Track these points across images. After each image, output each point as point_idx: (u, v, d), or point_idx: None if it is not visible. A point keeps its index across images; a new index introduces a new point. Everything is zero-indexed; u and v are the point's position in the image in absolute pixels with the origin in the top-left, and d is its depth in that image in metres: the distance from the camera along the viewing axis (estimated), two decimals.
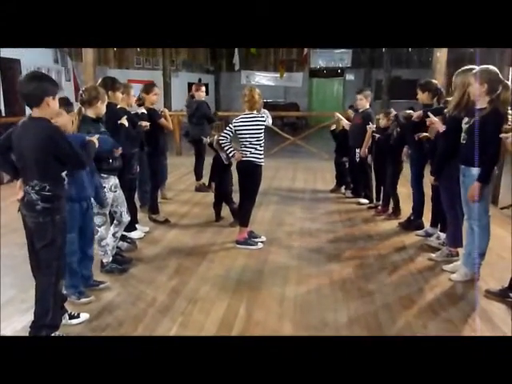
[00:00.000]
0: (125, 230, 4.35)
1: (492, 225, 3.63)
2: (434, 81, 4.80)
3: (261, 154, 4.28)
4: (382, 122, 5.45)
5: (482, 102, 3.32)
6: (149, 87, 5.22)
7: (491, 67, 3.35)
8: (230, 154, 4.38)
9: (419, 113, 4.43)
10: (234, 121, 4.28)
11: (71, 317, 2.94)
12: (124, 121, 3.96)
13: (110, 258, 3.74)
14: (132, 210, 4.51)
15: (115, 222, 3.84)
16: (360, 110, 6.03)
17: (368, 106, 6.00)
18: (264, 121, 4.25)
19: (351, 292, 3.45)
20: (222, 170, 4.92)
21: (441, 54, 7.92)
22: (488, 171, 3.34)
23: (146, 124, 4.45)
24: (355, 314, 3.11)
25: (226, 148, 4.34)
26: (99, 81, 4.24)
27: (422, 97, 4.66)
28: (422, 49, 15.32)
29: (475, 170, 3.38)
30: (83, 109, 3.48)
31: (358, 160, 5.98)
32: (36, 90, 2.51)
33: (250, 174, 4.28)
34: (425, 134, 4.33)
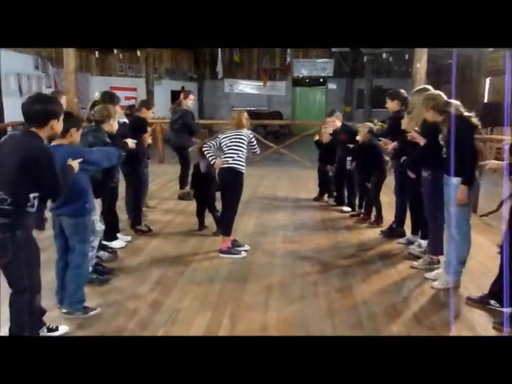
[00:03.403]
0: (106, 240, 4.30)
1: (472, 232, 3.67)
2: (402, 90, 5.01)
3: (242, 162, 4.29)
4: (360, 137, 5.47)
5: (438, 120, 3.59)
6: (148, 104, 5.47)
7: (435, 93, 3.79)
8: (212, 162, 4.39)
9: (394, 144, 4.65)
10: (220, 135, 4.47)
11: (50, 330, 2.86)
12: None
13: (90, 269, 3.66)
14: (113, 220, 4.46)
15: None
16: (337, 129, 6.07)
17: (339, 125, 6.05)
18: (250, 138, 4.37)
19: (335, 301, 3.44)
20: (204, 178, 4.88)
21: (420, 65, 8.04)
22: (468, 175, 3.41)
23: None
24: (340, 324, 3.09)
25: (207, 155, 4.39)
26: (98, 95, 4.52)
27: (391, 105, 4.92)
28: (402, 59, 15.57)
29: (455, 180, 3.47)
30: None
31: (348, 168, 5.98)
32: (41, 112, 2.50)
33: (232, 181, 4.27)
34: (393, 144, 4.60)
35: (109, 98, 4.46)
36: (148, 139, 5.16)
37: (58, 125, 2.60)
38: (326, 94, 21.04)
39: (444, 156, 3.57)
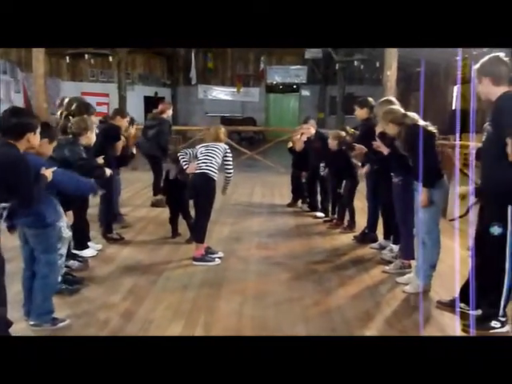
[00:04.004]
0: (76, 248, 4.20)
1: (442, 237, 3.75)
2: (370, 99, 5.16)
3: (215, 169, 4.27)
4: (332, 144, 5.54)
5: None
6: (123, 112, 5.49)
7: (393, 107, 4.05)
8: (184, 166, 4.40)
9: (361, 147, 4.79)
10: (197, 146, 4.49)
11: None
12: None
13: (59, 278, 3.56)
14: (83, 228, 4.37)
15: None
16: (311, 137, 6.14)
17: (313, 132, 6.12)
18: (225, 152, 4.36)
19: (309, 307, 3.44)
20: (177, 184, 4.83)
21: (391, 73, 8.20)
22: (427, 178, 3.49)
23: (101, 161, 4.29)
24: (314, 329, 3.09)
25: (181, 160, 4.42)
26: (73, 107, 4.44)
27: (360, 113, 5.06)
28: (373, 67, 15.85)
29: (417, 184, 3.57)
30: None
31: (321, 174, 6.02)
32: (17, 126, 2.54)
33: (204, 187, 4.24)
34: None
35: (85, 108, 4.40)
36: (120, 147, 5.08)
37: (34, 138, 2.65)
38: (299, 101, 21.23)
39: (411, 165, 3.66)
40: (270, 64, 20.76)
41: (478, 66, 2.95)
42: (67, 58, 14.88)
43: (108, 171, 4.13)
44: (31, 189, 2.58)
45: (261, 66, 20.30)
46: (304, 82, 20.76)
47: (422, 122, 3.66)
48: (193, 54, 19.44)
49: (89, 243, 4.51)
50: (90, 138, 4.03)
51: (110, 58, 15.03)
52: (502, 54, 2.90)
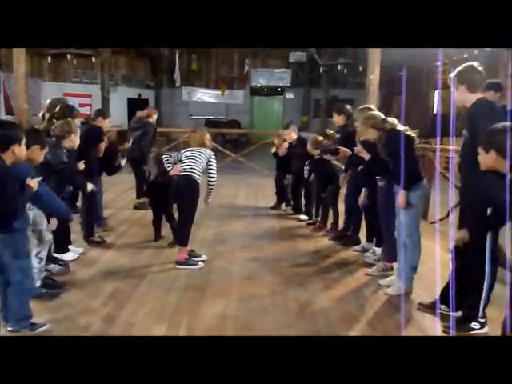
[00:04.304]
0: (57, 252, 4.14)
1: (423, 239, 3.79)
2: (347, 106, 5.35)
3: (199, 172, 4.25)
4: (311, 150, 5.58)
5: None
6: (105, 113, 5.53)
7: (374, 112, 4.17)
8: (168, 168, 4.38)
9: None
10: (182, 151, 4.46)
11: None
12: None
13: (39, 282, 3.50)
14: (64, 231, 4.30)
15: (36, 241, 3.60)
16: (293, 142, 6.19)
17: (295, 137, 6.16)
18: (210, 157, 4.34)
19: (294, 309, 3.45)
20: (160, 186, 4.79)
21: (373, 77, 8.26)
22: (406, 181, 3.52)
23: (81, 166, 4.29)
24: (298, 332, 3.09)
25: (166, 162, 4.41)
26: (56, 109, 4.41)
27: (338, 119, 5.22)
28: (357, 71, 16.00)
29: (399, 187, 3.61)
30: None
31: (306, 177, 6.03)
32: (1, 138, 2.55)
33: (188, 189, 4.22)
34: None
35: (68, 111, 4.38)
36: (102, 149, 5.02)
37: (20, 149, 2.66)
38: (283, 104, 21.28)
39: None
40: (254, 67, 20.77)
41: (454, 73, 3.08)
42: (49, 58, 14.66)
43: (90, 186, 4.09)
44: (15, 200, 2.59)
45: (245, 69, 20.30)
46: (288, 84, 20.83)
47: (401, 127, 3.73)
48: (177, 56, 19.36)
49: (70, 246, 4.45)
50: (74, 140, 4.02)
51: (93, 59, 14.86)
52: (475, 64, 3.06)
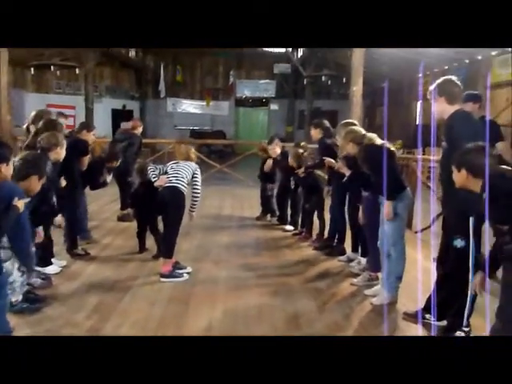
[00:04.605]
0: (39, 265, 4.06)
1: (407, 248, 3.82)
2: (324, 120, 5.52)
3: (185, 183, 4.25)
4: (293, 164, 5.63)
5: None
6: (89, 126, 5.47)
7: (354, 127, 4.27)
8: (153, 179, 4.38)
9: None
10: (168, 164, 4.47)
11: None
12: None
13: (20, 297, 3.43)
14: (47, 244, 4.22)
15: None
16: (278, 157, 6.25)
17: (279, 152, 6.22)
18: (195, 170, 4.36)
19: (279, 321, 3.43)
20: (145, 197, 4.75)
21: (357, 88, 8.36)
22: (388, 192, 3.55)
23: (60, 220, 4.21)
24: None
25: (151, 174, 4.42)
26: (39, 124, 4.39)
27: (314, 133, 5.41)
28: (341, 82, 16.19)
29: (383, 198, 3.65)
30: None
31: (292, 188, 6.06)
32: None
33: (174, 200, 4.20)
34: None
35: (52, 126, 4.35)
36: (86, 162, 4.98)
37: (7, 169, 2.67)
38: (268, 115, 21.41)
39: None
40: (239, 78, 20.90)
41: (433, 86, 3.17)
42: (32, 69, 14.53)
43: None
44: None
45: (230, 80, 20.42)
46: (273, 96, 20.98)
47: (379, 141, 3.85)
48: (161, 67, 19.38)
49: (52, 259, 4.38)
50: (60, 153, 4.01)
51: (77, 70, 14.77)
52: (454, 78, 3.19)
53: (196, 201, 4.41)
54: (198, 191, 4.37)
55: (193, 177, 4.34)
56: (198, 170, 4.42)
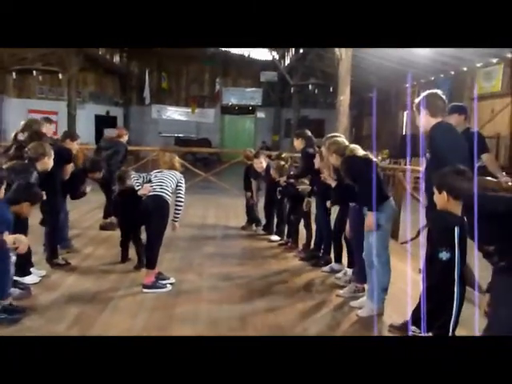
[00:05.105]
0: (17, 275, 3.99)
1: (393, 259, 3.85)
2: (306, 130, 5.66)
3: (169, 192, 4.24)
4: (276, 176, 5.69)
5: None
6: (73, 135, 5.52)
7: (338, 139, 4.32)
8: (137, 188, 4.37)
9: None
10: (152, 173, 4.46)
11: None
12: None
13: None
14: (26, 253, 4.16)
15: None
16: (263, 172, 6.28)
17: (265, 166, 6.22)
18: (179, 179, 4.35)
19: (263, 332, 3.41)
20: (128, 204, 4.72)
21: (344, 97, 8.47)
22: (369, 202, 3.56)
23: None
24: None
25: (134, 182, 4.42)
26: (25, 136, 4.53)
27: (296, 143, 5.55)
28: (328, 91, 16.35)
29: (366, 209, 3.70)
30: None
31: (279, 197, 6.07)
32: None
33: (158, 209, 4.18)
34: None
35: (38, 137, 4.38)
36: (69, 171, 4.95)
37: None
38: (254, 123, 21.51)
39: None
40: (225, 85, 21.00)
41: (418, 99, 3.28)
42: (14, 73, 14.39)
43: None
44: None
45: (216, 88, 20.49)
46: (259, 104, 21.11)
47: (361, 152, 3.95)
48: (146, 73, 19.36)
49: (31, 269, 4.31)
50: (47, 163, 4.06)
51: (60, 75, 14.67)
52: (439, 92, 3.28)
53: (179, 210, 4.39)
54: (182, 201, 4.37)
55: (177, 186, 4.33)
56: (183, 179, 4.42)
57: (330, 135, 4.65)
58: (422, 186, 3.55)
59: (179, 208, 4.38)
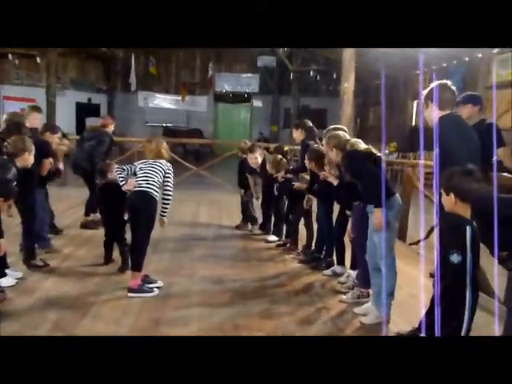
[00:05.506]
0: None
1: (400, 262, 3.86)
2: (307, 120, 5.65)
3: (157, 188, 4.22)
4: (272, 171, 5.72)
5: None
6: (54, 128, 5.46)
7: (338, 132, 4.31)
8: (121, 183, 4.35)
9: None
10: (137, 163, 4.42)
11: None
12: None
13: None
14: None
15: None
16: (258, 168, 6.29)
17: (260, 161, 6.22)
18: (167, 170, 4.32)
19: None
20: (113, 202, 4.72)
21: (348, 85, 8.48)
22: (374, 199, 3.59)
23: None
24: None
25: (118, 176, 4.37)
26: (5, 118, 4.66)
27: (296, 134, 5.57)
28: (330, 78, 16.37)
29: (371, 206, 3.69)
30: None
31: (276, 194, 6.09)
32: None
33: (144, 206, 4.18)
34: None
35: (16, 129, 4.39)
36: (47, 167, 4.95)
37: None
38: (250, 112, 21.50)
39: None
40: (218, 71, 20.94)
41: (426, 91, 3.31)
42: None
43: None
44: None
45: (209, 73, 20.43)
46: (256, 91, 21.09)
47: (363, 146, 3.97)
48: (133, 58, 19.28)
49: (7, 271, 4.31)
50: (28, 159, 4.05)
51: (38, 60, 14.60)
52: (449, 82, 3.28)
53: (167, 204, 4.36)
54: (170, 193, 4.33)
55: (164, 177, 4.30)
56: (171, 169, 4.38)
57: (330, 127, 4.66)
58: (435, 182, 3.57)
59: (167, 201, 4.35)
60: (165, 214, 4.39)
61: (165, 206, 4.37)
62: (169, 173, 4.32)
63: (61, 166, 5.16)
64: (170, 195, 4.34)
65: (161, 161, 4.36)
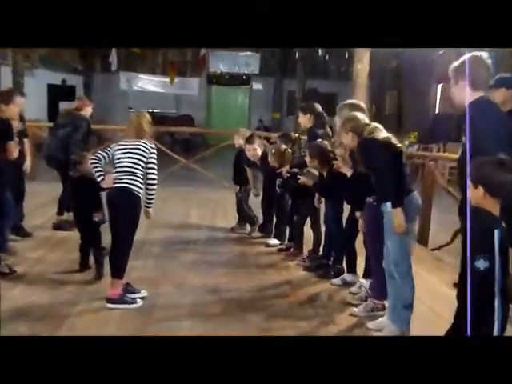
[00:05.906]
0: None
1: (421, 270, 3.89)
2: (316, 104, 5.53)
3: (139, 183, 4.20)
4: (274, 164, 5.77)
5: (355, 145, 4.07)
6: (9, 95, 5.22)
7: (356, 114, 4.15)
8: (99, 179, 4.34)
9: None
10: (113, 145, 4.33)
11: None
12: None
13: None
14: None
15: None
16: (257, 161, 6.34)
17: (260, 154, 6.27)
18: (150, 153, 4.23)
19: None
20: (89, 196, 4.74)
21: (362, 66, 8.49)
22: (393, 197, 3.59)
23: None
24: None
25: (94, 169, 4.35)
26: None
27: (303, 120, 5.48)
28: (341, 58, 16.37)
29: (388, 204, 3.65)
30: None
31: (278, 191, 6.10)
32: None
33: (126, 206, 4.18)
34: None
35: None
36: (14, 150, 4.92)
37: None
38: (249, 96, 21.49)
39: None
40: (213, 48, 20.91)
41: (455, 65, 3.25)
42: None
43: None
44: None
45: (201, 51, 20.40)
46: (256, 72, 21.06)
47: (383, 134, 3.84)
48: None
49: None
50: None
51: None
52: (484, 54, 3.19)
53: (152, 193, 4.31)
54: (155, 177, 4.27)
55: (147, 159, 4.22)
56: (154, 150, 4.28)
57: (345, 103, 4.56)
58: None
59: (152, 189, 4.30)
60: (150, 203, 4.36)
61: (150, 193, 4.31)
62: (152, 154, 4.24)
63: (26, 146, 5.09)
64: (154, 180, 4.28)
65: (142, 141, 4.26)
